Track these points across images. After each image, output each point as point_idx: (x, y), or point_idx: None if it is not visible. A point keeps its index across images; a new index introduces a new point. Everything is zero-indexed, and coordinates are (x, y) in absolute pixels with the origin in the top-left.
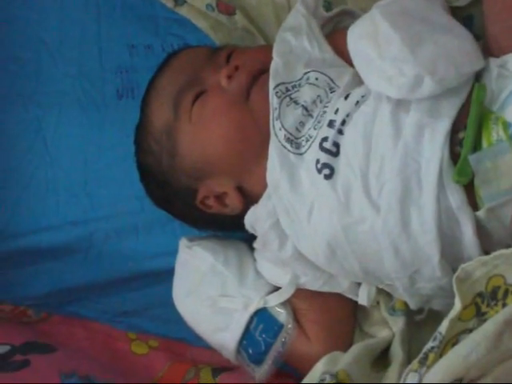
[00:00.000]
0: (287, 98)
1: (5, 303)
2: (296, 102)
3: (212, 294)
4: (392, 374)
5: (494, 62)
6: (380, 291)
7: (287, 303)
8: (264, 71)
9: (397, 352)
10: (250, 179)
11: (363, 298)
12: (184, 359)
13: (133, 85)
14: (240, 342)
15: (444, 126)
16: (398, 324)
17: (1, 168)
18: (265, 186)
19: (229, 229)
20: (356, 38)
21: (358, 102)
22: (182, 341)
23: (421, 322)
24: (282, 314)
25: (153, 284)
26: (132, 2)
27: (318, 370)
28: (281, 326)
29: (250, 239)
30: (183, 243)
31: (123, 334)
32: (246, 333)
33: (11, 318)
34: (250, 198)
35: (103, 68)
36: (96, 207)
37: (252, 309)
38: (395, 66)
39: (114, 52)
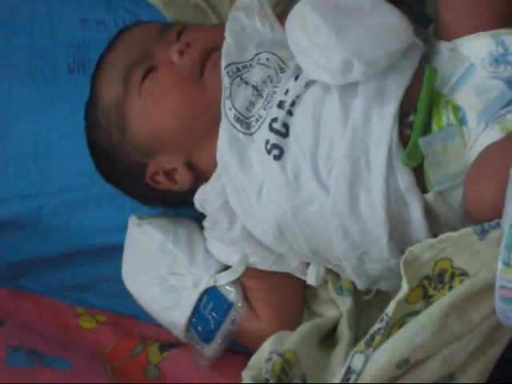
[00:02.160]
0: (238, 78)
1: None
2: (246, 82)
3: (162, 273)
4: (339, 353)
5: (445, 46)
6: (328, 271)
7: (237, 282)
8: (215, 49)
9: (344, 332)
10: (199, 156)
11: (311, 277)
12: (132, 335)
13: (84, 59)
14: (189, 320)
15: (391, 108)
16: (345, 304)
17: None
18: (214, 165)
19: (178, 206)
20: (291, 29)
21: (307, 83)
22: (130, 316)
23: (369, 302)
24: (231, 293)
25: (101, 259)
26: None
27: (265, 349)
28: (230, 305)
29: (199, 217)
30: (133, 221)
31: (71, 308)
32: (196, 311)
33: None
34: (199, 175)
35: (54, 42)
36: (45, 181)
37: (202, 287)
38: (324, 53)
39: (65, 26)
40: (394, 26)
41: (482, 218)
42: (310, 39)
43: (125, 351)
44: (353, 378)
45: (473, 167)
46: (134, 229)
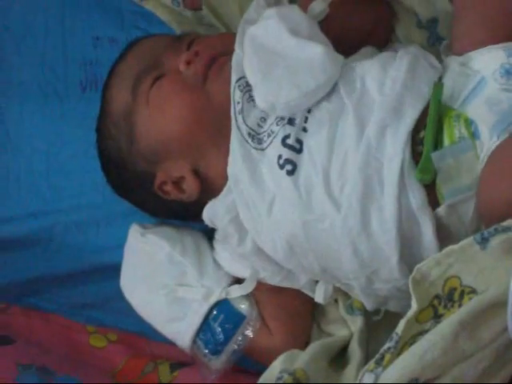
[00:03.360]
0: (247, 94)
1: None
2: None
3: (168, 283)
4: (350, 373)
5: (455, 60)
6: (338, 290)
7: (250, 295)
8: (223, 54)
9: (355, 351)
10: (207, 163)
11: (320, 295)
12: (142, 353)
13: (96, 77)
14: (196, 333)
15: (406, 126)
16: (356, 323)
17: None
18: (222, 176)
19: (187, 218)
20: None
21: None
22: (141, 335)
23: (379, 323)
24: (244, 306)
25: (113, 277)
26: None
27: (275, 368)
28: (242, 318)
29: (205, 228)
30: (135, 230)
31: (82, 326)
32: (204, 323)
33: None
34: (207, 185)
35: (67, 59)
36: (57, 199)
37: (213, 299)
38: (256, 92)
39: (78, 43)
40: (313, 65)
41: (497, 219)
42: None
43: (135, 370)
44: None
45: (486, 167)
46: (137, 238)
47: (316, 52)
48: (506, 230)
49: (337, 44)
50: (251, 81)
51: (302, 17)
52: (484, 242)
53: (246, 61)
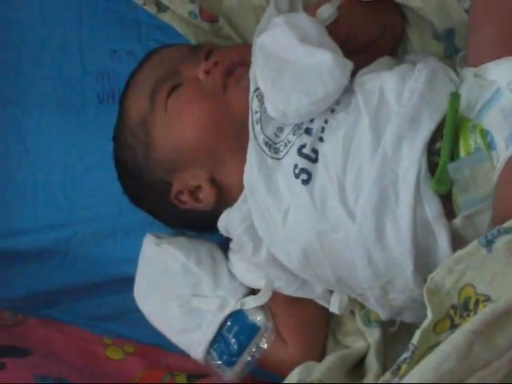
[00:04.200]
0: (264, 105)
1: None
2: None
3: (183, 294)
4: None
5: (470, 72)
6: (354, 300)
7: (264, 306)
8: (241, 65)
9: (372, 363)
10: (223, 173)
11: (335, 305)
12: (159, 365)
13: (114, 90)
14: (211, 343)
15: (423, 137)
16: (373, 335)
17: None
18: (238, 185)
19: (202, 229)
20: None
21: (333, 109)
22: (158, 347)
23: (397, 335)
24: (259, 317)
25: (130, 289)
26: (115, 7)
27: (292, 378)
28: (257, 329)
29: (221, 241)
30: (150, 239)
31: (99, 338)
32: (218, 334)
33: None
34: (223, 194)
35: (84, 71)
36: (74, 211)
37: (228, 310)
38: (266, 101)
39: (95, 56)
40: (321, 72)
41: None
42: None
43: (152, 382)
44: None
45: (501, 177)
46: (152, 248)
47: (325, 59)
48: (508, 230)
49: (344, 48)
50: (262, 89)
51: (310, 23)
52: (489, 244)
53: (256, 70)
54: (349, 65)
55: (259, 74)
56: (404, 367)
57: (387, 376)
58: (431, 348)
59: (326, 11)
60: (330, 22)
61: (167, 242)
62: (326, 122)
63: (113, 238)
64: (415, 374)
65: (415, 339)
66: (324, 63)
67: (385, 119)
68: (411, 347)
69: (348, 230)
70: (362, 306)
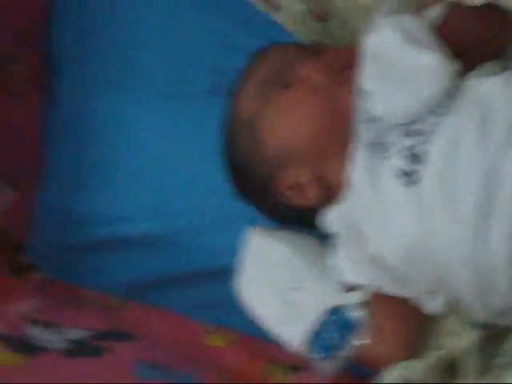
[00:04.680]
0: None
1: (85, 290)
2: None
3: (285, 287)
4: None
5: None
6: (454, 301)
7: (364, 303)
8: (351, 66)
9: (469, 365)
10: (329, 169)
11: (434, 306)
12: (260, 356)
13: (223, 83)
14: (309, 336)
15: None
16: (471, 337)
17: (85, 157)
18: (343, 183)
19: (304, 223)
20: None
21: (440, 111)
22: (260, 337)
23: (495, 336)
24: (358, 314)
25: (229, 280)
26: (229, 3)
27: (391, 375)
28: (355, 325)
29: (322, 236)
30: (255, 232)
31: (201, 325)
32: (317, 328)
33: (91, 303)
34: (328, 192)
35: (195, 64)
36: (176, 201)
37: (329, 305)
38: (374, 101)
39: (207, 48)
40: (427, 72)
41: None
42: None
43: (253, 372)
44: None
45: None
46: (258, 240)
47: (430, 59)
48: None
49: (451, 50)
50: (370, 89)
51: (416, 24)
52: None
53: (365, 70)
54: (454, 65)
55: (367, 74)
56: (497, 372)
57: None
58: None
59: (433, 12)
60: (438, 23)
61: (272, 235)
62: (434, 124)
63: (216, 228)
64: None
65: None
66: (430, 64)
67: (492, 124)
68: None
69: (451, 234)
70: (461, 308)
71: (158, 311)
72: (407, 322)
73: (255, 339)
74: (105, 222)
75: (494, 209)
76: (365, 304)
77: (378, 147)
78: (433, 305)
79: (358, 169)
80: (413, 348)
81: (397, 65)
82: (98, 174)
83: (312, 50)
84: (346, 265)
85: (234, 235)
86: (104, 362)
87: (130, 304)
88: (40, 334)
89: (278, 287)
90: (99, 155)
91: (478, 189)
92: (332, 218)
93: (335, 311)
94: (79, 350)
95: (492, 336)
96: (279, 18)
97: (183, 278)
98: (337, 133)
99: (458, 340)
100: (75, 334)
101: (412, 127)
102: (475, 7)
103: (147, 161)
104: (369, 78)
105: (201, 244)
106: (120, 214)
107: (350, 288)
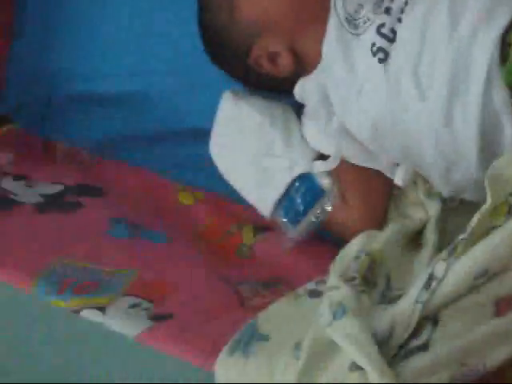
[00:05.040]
0: None
1: (59, 144)
2: None
3: (256, 152)
4: (423, 256)
5: None
6: (419, 174)
7: (332, 172)
8: None
9: (430, 235)
10: (302, 43)
11: (399, 177)
12: (228, 215)
13: None
14: (278, 201)
15: (498, 27)
16: (433, 208)
17: (63, 13)
18: (316, 57)
19: (276, 92)
20: None
21: None
22: (228, 197)
23: (456, 210)
24: (326, 181)
25: (205, 142)
26: None
27: (353, 246)
28: (323, 192)
29: (294, 104)
30: (228, 97)
31: (171, 183)
32: (286, 193)
33: (65, 158)
34: (300, 63)
35: None
36: (154, 61)
37: (298, 171)
38: None
39: None
40: None
41: None
42: None
43: (220, 229)
44: (434, 284)
45: None
46: (229, 105)
47: None
48: None
49: None
50: None
51: None
52: None
53: None
54: None
55: None
56: (460, 247)
57: (444, 254)
58: (487, 231)
59: None
60: None
61: (245, 100)
62: (405, 3)
63: (191, 90)
64: (472, 254)
65: (473, 222)
66: None
67: (462, 7)
68: (469, 229)
69: (418, 111)
70: (426, 180)
71: (131, 168)
72: (372, 190)
73: (225, 199)
74: (80, 78)
75: (461, 90)
76: (332, 173)
77: (353, 22)
78: (398, 177)
79: (332, 41)
80: (379, 216)
81: None
82: (75, 31)
83: None
84: (317, 135)
85: (209, 98)
86: (78, 217)
87: (104, 161)
88: (13, 188)
89: (250, 152)
90: (77, 11)
91: (446, 70)
92: (305, 88)
93: (303, 178)
94: (53, 204)
95: (456, 209)
96: None
97: (156, 137)
98: (312, 5)
99: (421, 210)
100: (49, 188)
101: (385, 5)
102: None
103: (125, 21)
104: None
105: (176, 105)
106: (95, 72)
107: (320, 157)
